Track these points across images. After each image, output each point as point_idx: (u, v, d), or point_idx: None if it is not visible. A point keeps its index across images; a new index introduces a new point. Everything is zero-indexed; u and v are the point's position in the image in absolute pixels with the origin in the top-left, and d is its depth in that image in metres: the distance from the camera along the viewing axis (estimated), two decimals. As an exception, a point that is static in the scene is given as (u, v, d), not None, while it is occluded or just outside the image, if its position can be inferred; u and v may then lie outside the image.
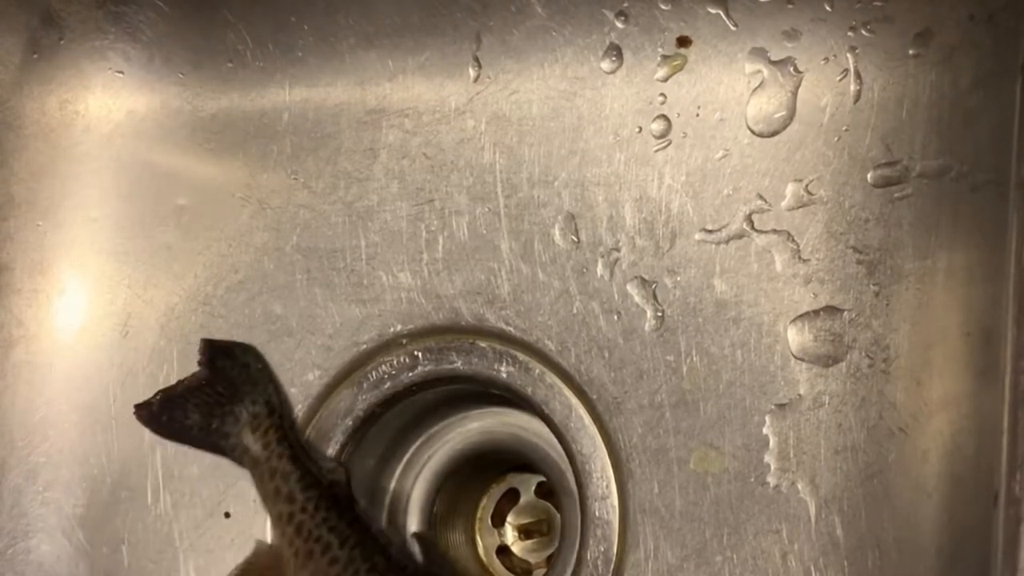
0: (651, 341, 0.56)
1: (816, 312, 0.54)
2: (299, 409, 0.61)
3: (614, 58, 0.58)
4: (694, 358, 0.56)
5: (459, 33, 0.60)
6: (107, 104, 0.65)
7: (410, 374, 0.60)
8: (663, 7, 0.57)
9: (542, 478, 0.67)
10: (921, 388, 0.52)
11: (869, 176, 0.54)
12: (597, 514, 0.56)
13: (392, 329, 0.60)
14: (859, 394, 0.53)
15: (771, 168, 0.55)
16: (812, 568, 0.53)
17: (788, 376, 0.54)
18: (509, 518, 0.68)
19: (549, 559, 0.66)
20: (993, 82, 0.52)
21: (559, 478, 0.63)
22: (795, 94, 0.55)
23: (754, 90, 0.56)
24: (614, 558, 0.55)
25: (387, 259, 0.61)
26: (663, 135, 0.57)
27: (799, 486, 0.53)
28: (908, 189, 0.53)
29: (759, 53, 0.56)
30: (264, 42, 0.62)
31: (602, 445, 0.56)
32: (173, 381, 0.62)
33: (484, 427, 0.66)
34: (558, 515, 0.66)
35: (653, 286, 0.57)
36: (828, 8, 0.55)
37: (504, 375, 0.58)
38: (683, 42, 0.57)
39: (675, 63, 0.57)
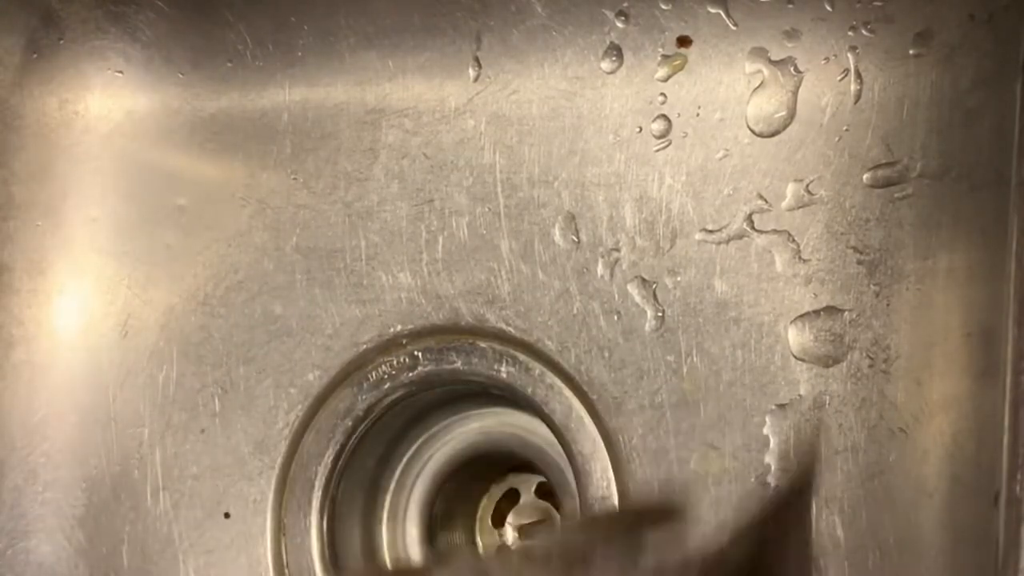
0: (651, 341, 0.56)
1: (816, 312, 0.54)
2: (299, 409, 0.61)
3: (614, 58, 0.58)
4: (694, 358, 0.56)
5: (459, 33, 0.60)
6: (107, 104, 0.65)
7: (410, 374, 0.60)
8: (663, 7, 0.57)
9: (542, 478, 0.67)
10: (922, 388, 0.52)
11: (870, 176, 0.54)
12: (597, 514, 0.56)
13: (392, 329, 0.60)
14: (860, 394, 0.53)
15: (771, 168, 0.55)
16: (813, 568, 0.53)
17: (788, 376, 0.54)
18: (509, 518, 0.68)
19: (549, 559, 0.66)
20: (993, 82, 0.52)
21: (559, 478, 0.63)
22: (795, 94, 0.55)
23: (754, 90, 0.56)
24: (614, 558, 0.55)
25: (387, 259, 0.61)
26: (663, 135, 0.57)
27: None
28: (908, 189, 0.53)
29: (759, 53, 0.56)
30: (264, 42, 0.62)
31: (602, 445, 0.56)
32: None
33: (484, 427, 0.66)
34: (558, 515, 0.66)
35: (653, 286, 0.57)
36: (828, 8, 0.55)
37: (504, 375, 0.58)
38: (683, 42, 0.57)
39: (675, 63, 0.57)
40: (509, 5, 0.59)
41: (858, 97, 0.54)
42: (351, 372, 0.61)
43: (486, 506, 0.68)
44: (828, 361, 0.54)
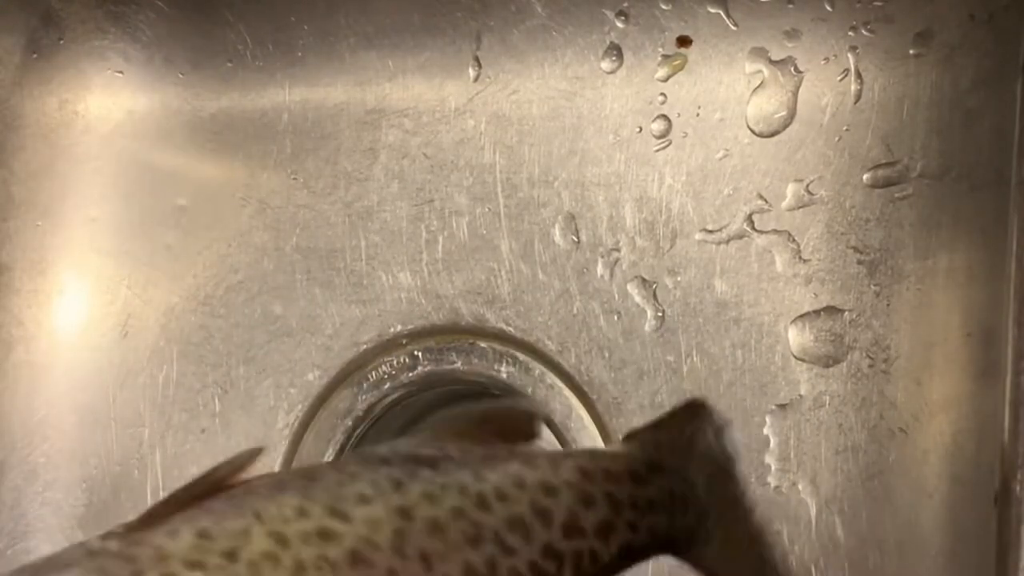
0: (651, 341, 0.56)
1: (817, 312, 0.54)
2: (299, 409, 0.61)
3: (614, 58, 0.58)
4: (694, 358, 0.56)
5: (459, 33, 0.60)
6: (107, 104, 0.65)
7: (410, 374, 0.60)
8: (663, 7, 0.57)
9: (542, 478, 0.67)
10: (922, 388, 0.52)
11: (870, 176, 0.54)
12: (597, 514, 0.56)
13: (392, 329, 0.60)
14: (860, 394, 0.53)
15: (771, 168, 0.55)
16: (813, 568, 0.53)
17: (789, 376, 0.54)
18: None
19: (549, 559, 0.66)
20: (993, 82, 0.52)
21: (559, 478, 0.63)
22: (795, 94, 0.55)
23: (754, 90, 0.56)
24: (614, 558, 0.55)
25: (387, 259, 0.61)
26: (663, 135, 0.57)
27: (800, 486, 0.53)
28: (908, 189, 0.53)
29: (759, 53, 0.56)
30: (264, 42, 0.62)
31: (602, 445, 0.56)
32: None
33: (484, 427, 0.66)
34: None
35: (653, 286, 0.57)
36: (829, 8, 0.55)
37: (504, 375, 0.58)
38: (683, 42, 0.57)
39: (675, 63, 0.57)
40: (509, 5, 0.59)
41: (858, 97, 0.54)
42: (351, 372, 0.61)
43: (486, 506, 0.68)
44: (828, 361, 0.54)
